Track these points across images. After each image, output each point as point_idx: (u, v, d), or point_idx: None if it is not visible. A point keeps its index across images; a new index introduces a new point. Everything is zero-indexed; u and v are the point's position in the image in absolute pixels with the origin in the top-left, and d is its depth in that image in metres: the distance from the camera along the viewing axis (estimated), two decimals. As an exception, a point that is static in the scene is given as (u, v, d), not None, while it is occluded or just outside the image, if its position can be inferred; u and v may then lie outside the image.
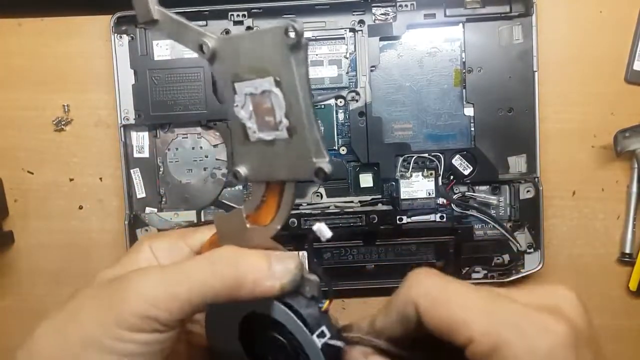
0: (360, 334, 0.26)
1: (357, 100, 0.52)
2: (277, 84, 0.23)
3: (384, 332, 0.25)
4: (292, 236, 0.48)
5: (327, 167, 0.23)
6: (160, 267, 0.27)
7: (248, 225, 0.26)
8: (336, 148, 0.52)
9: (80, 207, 0.55)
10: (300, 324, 0.26)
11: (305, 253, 0.29)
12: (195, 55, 0.51)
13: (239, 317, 0.28)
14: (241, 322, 0.28)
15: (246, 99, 0.24)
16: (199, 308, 0.25)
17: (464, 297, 0.22)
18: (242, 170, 0.26)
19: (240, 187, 0.53)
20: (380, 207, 0.52)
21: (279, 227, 0.26)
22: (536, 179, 0.51)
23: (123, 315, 0.24)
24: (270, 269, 0.25)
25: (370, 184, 0.53)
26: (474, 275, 0.53)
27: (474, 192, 0.53)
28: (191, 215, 0.53)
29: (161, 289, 0.25)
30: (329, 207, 0.52)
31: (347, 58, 0.52)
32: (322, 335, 0.26)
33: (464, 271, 0.53)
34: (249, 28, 0.51)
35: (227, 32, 0.51)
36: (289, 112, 0.23)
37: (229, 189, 0.53)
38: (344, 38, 0.52)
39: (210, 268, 0.25)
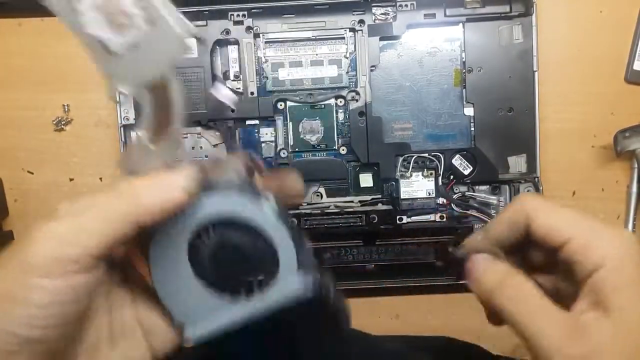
0: (475, 243, 0.29)
1: (357, 100, 0.52)
2: None
3: (494, 239, 0.28)
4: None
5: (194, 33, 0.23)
6: (66, 207, 0.25)
7: (152, 147, 0.25)
8: (336, 148, 0.52)
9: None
10: (239, 198, 0.25)
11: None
12: (195, 55, 0.50)
13: (184, 243, 0.25)
14: (188, 252, 0.26)
15: (90, 11, 0.24)
16: (109, 240, 0.24)
17: (565, 210, 0.26)
18: (119, 87, 0.24)
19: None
20: (380, 207, 0.52)
21: (179, 126, 0.25)
22: (536, 179, 0.51)
23: (29, 260, 0.23)
24: (166, 180, 0.25)
25: (370, 184, 0.53)
26: (474, 275, 0.53)
27: (474, 192, 0.53)
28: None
29: (66, 224, 0.24)
30: (329, 207, 0.52)
31: (347, 58, 0.52)
32: (268, 199, 0.25)
33: (464, 271, 0.53)
34: (249, 28, 0.51)
35: (227, 32, 0.51)
36: (139, 2, 0.23)
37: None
38: (344, 38, 0.52)
39: (113, 194, 0.24)
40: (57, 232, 0.23)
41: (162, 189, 0.25)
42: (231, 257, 0.25)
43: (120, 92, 0.24)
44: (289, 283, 0.25)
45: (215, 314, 0.25)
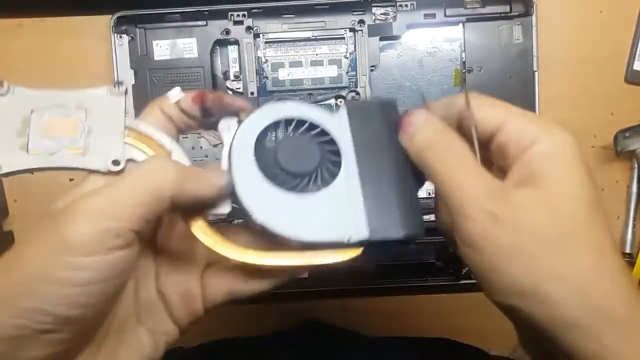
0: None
1: (357, 100, 0.52)
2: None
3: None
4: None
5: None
6: (104, 184, 0.25)
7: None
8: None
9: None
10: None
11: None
12: (195, 55, 0.51)
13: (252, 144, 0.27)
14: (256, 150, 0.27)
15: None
16: (148, 213, 0.23)
17: (496, 100, 0.26)
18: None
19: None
20: (380, 207, 0.52)
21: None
22: (536, 179, 0.51)
23: (69, 239, 0.22)
24: (204, 175, 0.26)
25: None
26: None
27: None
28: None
29: (105, 198, 0.23)
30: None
31: (347, 58, 0.52)
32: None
33: (464, 271, 0.53)
34: (249, 28, 0.51)
35: (227, 32, 0.51)
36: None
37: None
38: (344, 38, 0.52)
39: (148, 168, 0.25)
40: (96, 207, 0.23)
41: (200, 179, 0.25)
42: (298, 149, 0.27)
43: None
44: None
45: (283, 207, 0.26)
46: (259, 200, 0.26)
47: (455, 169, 0.25)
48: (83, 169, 0.26)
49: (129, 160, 0.27)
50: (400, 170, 0.27)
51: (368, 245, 0.26)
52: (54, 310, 0.22)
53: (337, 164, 0.27)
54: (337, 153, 0.27)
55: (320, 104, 0.52)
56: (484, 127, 0.26)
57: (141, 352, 0.27)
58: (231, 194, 0.26)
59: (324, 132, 0.28)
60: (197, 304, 0.29)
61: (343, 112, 0.28)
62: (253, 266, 0.27)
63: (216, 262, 0.29)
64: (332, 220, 0.26)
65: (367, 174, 0.27)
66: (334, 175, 0.27)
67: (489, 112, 0.26)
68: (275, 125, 0.28)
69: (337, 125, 0.28)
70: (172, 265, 0.29)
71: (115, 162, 0.26)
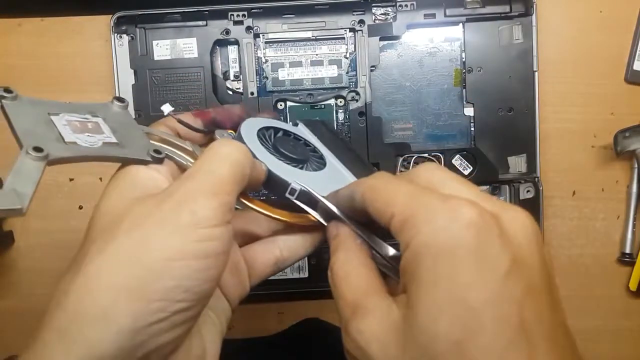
0: (332, 206, 0.29)
1: (357, 100, 0.52)
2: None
3: (340, 202, 0.29)
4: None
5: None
6: (195, 167, 0.27)
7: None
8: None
9: (81, 207, 0.55)
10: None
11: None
12: (195, 55, 0.51)
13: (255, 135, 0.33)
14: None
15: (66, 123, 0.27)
16: (240, 189, 0.26)
17: (397, 186, 0.24)
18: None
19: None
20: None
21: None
22: (536, 179, 0.51)
23: (201, 213, 0.24)
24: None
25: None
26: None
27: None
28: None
29: (212, 177, 0.25)
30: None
31: (347, 58, 0.52)
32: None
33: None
34: (249, 28, 0.51)
35: (227, 32, 0.51)
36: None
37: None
38: (344, 38, 0.52)
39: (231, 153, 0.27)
40: (210, 185, 0.25)
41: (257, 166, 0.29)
42: (291, 145, 0.34)
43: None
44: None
45: (305, 178, 0.32)
46: (288, 175, 0.31)
47: (336, 287, 0.26)
48: (127, 159, 0.27)
49: (166, 156, 0.28)
50: (356, 155, 0.42)
51: None
52: (191, 285, 0.23)
53: (321, 158, 0.36)
54: (316, 151, 0.37)
55: (319, 104, 0.52)
56: (378, 216, 0.24)
57: (217, 331, 0.29)
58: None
59: (298, 137, 0.37)
60: (245, 279, 0.31)
61: (302, 125, 0.39)
62: (293, 223, 0.31)
63: (256, 240, 0.32)
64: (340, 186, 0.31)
65: (343, 159, 0.37)
66: (322, 164, 0.35)
67: (384, 199, 0.24)
68: (262, 131, 0.34)
69: (302, 133, 0.38)
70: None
71: (157, 151, 0.27)
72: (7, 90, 0.25)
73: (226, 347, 0.48)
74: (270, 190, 0.31)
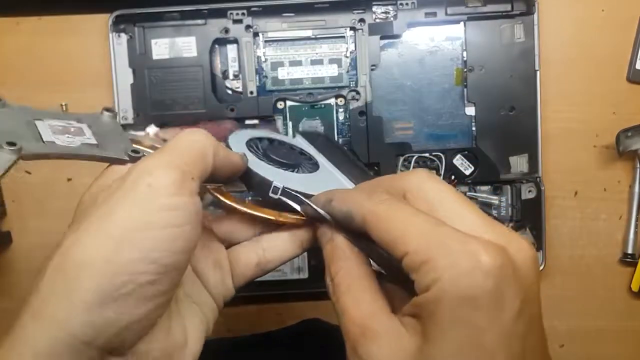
0: (317, 207, 0.29)
1: (357, 100, 0.51)
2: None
3: (333, 215, 0.28)
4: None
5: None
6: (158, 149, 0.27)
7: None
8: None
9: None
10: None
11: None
12: (194, 54, 0.51)
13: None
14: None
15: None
16: (202, 170, 0.26)
17: (407, 219, 0.24)
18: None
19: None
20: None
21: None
22: (538, 179, 0.51)
23: (161, 182, 0.24)
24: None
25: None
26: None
27: (475, 192, 0.52)
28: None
29: (169, 153, 0.25)
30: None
31: (347, 57, 0.52)
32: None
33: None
34: (248, 27, 0.51)
35: (226, 30, 0.51)
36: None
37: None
38: (344, 37, 0.51)
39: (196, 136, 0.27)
40: (167, 159, 0.25)
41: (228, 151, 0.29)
42: (282, 151, 0.36)
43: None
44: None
45: (291, 179, 0.33)
46: (271, 174, 0.31)
47: (338, 301, 0.26)
48: (105, 158, 0.27)
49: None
50: (354, 162, 0.44)
51: None
52: (157, 257, 0.23)
53: (315, 164, 0.37)
54: (310, 157, 0.38)
55: (319, 103, 0.52)
56: (387, 248, 0.24)
57: (200, 322, 0.29)
58: (242, 177, 0.31)
59: (293, 146, 0.38)
60: (228, 278, 0.31)
61: (299, 137, 0.42)
62: (274, 220, 0.31)
63: (239, 242, 0.32)
64: (332, 187, 0.32)
65: (338, 165, 0.38)
66: (314, 168, 0.36)
67: (389, 242, 0.24)
68: (254, 141, 0.35)
69: (299, 143, 0.40)
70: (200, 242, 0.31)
71: (135, 151, 0.28)
72: None
73: (224, 345, 0.48)
74: (255, 191, 0.31)
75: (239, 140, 0.34)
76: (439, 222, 0.23)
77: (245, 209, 0.30)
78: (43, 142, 0.26)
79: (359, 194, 0.27)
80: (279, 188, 0.30)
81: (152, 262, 0.23)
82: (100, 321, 0.23)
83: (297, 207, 0.30)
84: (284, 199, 0.30)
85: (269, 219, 0.30)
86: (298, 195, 0.30)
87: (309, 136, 0.42)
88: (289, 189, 0.30)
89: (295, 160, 0.35)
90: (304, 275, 0.52)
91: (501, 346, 0.21)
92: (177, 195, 0.24)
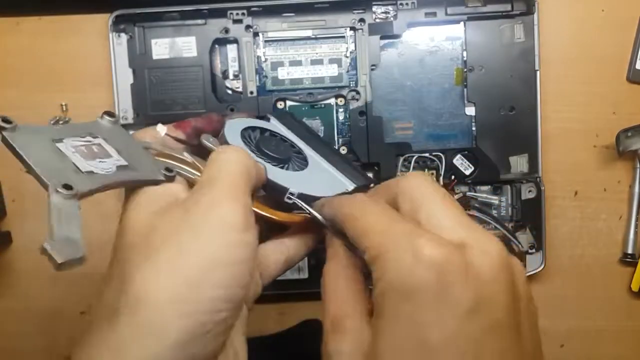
0: (315, 212, 0.30)
1: (357, 100, 0.51)
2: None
3: (326, 219, 0.29)
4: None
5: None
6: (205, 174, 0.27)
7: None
8: (336, 147, 0.52)
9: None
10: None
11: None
12: (194, 54, 0.51)
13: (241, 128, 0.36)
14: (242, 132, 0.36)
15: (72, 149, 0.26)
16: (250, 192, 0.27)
17: (373, 217, 0.25)
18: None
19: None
20: (380, 207, 0.52)
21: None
22: (538, 179, 0.51)
23: (232, 218, 0.24)
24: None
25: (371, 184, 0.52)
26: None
27: (475, 192, 0.52)
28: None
29: (228, 181, 0.26)
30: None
31: (347, 57, 0.52)
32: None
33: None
34: (248, 27, 0.51)
35: (226, 30, 0.51)
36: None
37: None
38: (344, 37, 0.51)
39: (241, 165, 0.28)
40: (229, 190, 0.25)
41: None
42: (273, 145, 0.35)
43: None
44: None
45: (296, 179, 0.34)
46: (285, 180, 0.32)
47: (326, 290, 0.27)
48: (143, 181, 0.27)
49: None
50: (331, 147, 0.45)
51: (355, 190, 0.36)
52: (230, 294, 0.24)
53: (301, 154, 0.38)
54: (293, 146, 0.38)
55: (319, 103, 0.52)
56: (356, 244, 0.25)
57: (242, 333, 0.29)
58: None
59: (276, 134, 0.38)
60: (257, 279, 0.31)
61: (274, 120, 0.42)
62: (297, 223, 0.32)
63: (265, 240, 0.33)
64: (329, 183, 0.36)
65: (320, 153, 0.39)
66: (304, 162, 0.37)
67: (355, 239, 0.25)
68: (245, 131, 0.36)
69: (277, 127, 0.40)
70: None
71: (168, 169, 0.28)
72: (6, 120, 0.25)
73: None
74: (265, 192, 0.32)
75: (233, 132, 0.34)
76: (398, 220, 0.24)
77: (265, 213, 0.30)
78: (82, 172, 0.25)
79: (345, 198, 0.28)
80: (294, 194, 0.31)
81: (227, 299, 0.24)
82: (182, 356, 0.23)
83: (314, 213, 0.31)
84: (300, 202, 0.31)
85: (285, 222, 0.31)
86: (302, 205, 0.31)
87: (282, 118, 0.42)
88: (304, 194, 0.31)
89: (285, 155, 0.35)
90: (304, 275, 0.52)
91: (447, 345, 0.20)
92: (246, 230, 0.25)
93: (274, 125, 0.40)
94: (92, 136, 0.27)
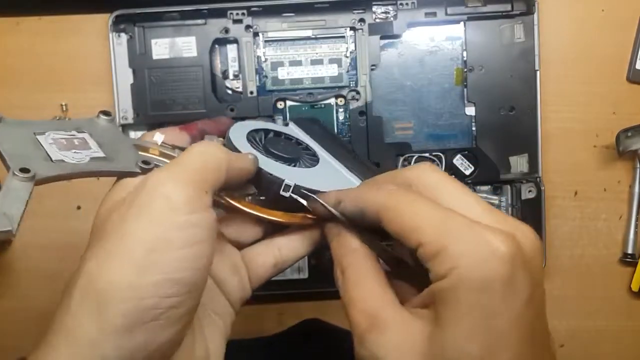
0: (328, 205, 0.28)
1: (357, 100, 0.51)
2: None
3: (345, 214, 0.28)
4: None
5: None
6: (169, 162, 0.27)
7: None
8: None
9: (79, 208, 0.54)
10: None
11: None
12: (194, 54, 0.51)
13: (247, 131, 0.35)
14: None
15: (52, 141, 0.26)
16: (215, 183, 0.26)
17: (420, 210, 0.24)
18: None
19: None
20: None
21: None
22: (538, 179, 0.51)
23: (176, 199, 0.24)
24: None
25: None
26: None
27: (475, 192, 0.52)
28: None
29: (183, 167, 0.25)
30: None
31: (347, 57, 0.52)
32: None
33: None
34: (248, 27, 0.51)
35: (226, 30, 0.51)
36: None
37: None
38: (344, 37, 0.51)
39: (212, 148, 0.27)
40: (182, 174, 0.25)
41: (239, 158, 0.29)
42: (282, 145, 0.35)
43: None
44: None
45: (297, 175, 0.32)
46: (281, 172, 0.31)
47: (347, 292, 0.26)
48: (116, 172, 0.27)
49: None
50: (352, 152, 0.43)
51: None
52: (180, 277, 0.23)
53: (314, 155, 0.37)
54: (308, 149, 0.38)
55: (319, 103, 0.52)
56: (401, 239, 0.24)
57: (220, 332, 0.29)
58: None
59: (290, 137, 0.38)
60: (245, 280, 0.31)
61: (293, 125, 0.41)
62: (289, 223, 0.31)
63: (247, 242, 0.32)
64: (335, 180, 0.35)
65: (337, 155, 0.38)
66: (315, 161, 0.36)
67: (408, 225, 0.24)
68: (252, 134, 0.35)
69: (295, 132, 0.39)
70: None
71: (146, 162, 0.27)
72: None
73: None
74: (261, 189, 0.31)
75: (239, 133, 0.34)
76: (450, 211, 0.24)
77: (258, 213, 0.30)
78: (52, 161, 0.25)
79: (368, 190, 0.27)
80: (290, 186, 0.30)
81: (176, 283, 0.23)
82: (130, 345, 0.23)
83: (330, 208, 0.29)
84: (295, 196, 0.30)
85: (280, 221, 0.31)
86: (309, 193, 0.30)
87: (302, 123, 0.41)
88: (300, 186, 0.30)
89: (295, 154, 0.35)
90: (304, 275, 0.52)
91: (512, 330, 0.22)
92: (194, 212, 0.24)
93: (291, 130, 0.40)
94: (78, 131, 0.28)
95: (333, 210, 0.28)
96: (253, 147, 0.33)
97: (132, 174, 0.27)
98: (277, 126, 0.38)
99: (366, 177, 0.36)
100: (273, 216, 0.30)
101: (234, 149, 0.31)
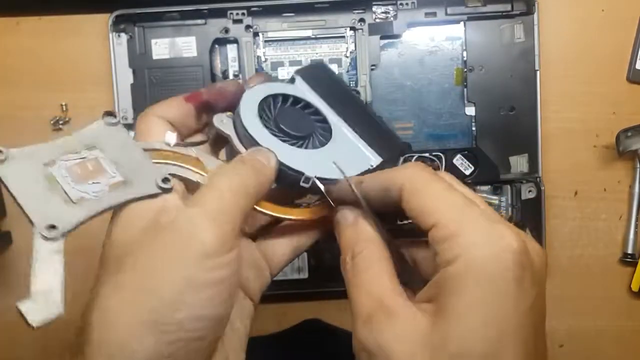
0: (347, 188, 0.28)
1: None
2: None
3: (366, 196, 0.28)
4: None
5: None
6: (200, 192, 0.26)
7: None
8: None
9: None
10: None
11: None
12: (194, 54, 0.51)
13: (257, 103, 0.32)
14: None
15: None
16: (248, 208, 0.26)
17: (441, 193, 0.24)
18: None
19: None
20: (380, 207, 0.52)
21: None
22: (538, 179, 0.51)
23: (210, 244, 0.23)
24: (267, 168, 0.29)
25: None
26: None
27: (475, 192, 0.52)
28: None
29: (216, 204, 0.25)
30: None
31: (347, 57, 0.52)
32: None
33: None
34: (248, 27, 0.51)
35: (226, 30, 0.51)
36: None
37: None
38: (344, 37, 0.51)
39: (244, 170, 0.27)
40: (213, 212, 0.24)
41: (266, 173, 0.28)
42: (293, 118, 0.32)
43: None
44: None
45: (313, 160, 0.31)
46: (300, 163, 0.30)
47: (356, 276, 0.26)
48: (137, 199, 0.26)
49: (172, 176, 0.27)
50: (364, 109, 0.38)
51: (381, 165, 0.33)
52: (204, 314, 0.23)
53: (327, 127, 0.33)
54: (320, 114, 0.34)
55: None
56: (417, 220, 0.25)
57: (239, 337, 0.30)
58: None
59: (298, 100, 0.34)
60: (264, 271, 0.32)
61: (299, 80, 0.35)
62: (301, 220, 0.31)
63: (266, 233, 0.32)
64: (352, 158, 0.32)
65: (349, 120, 0.34)
66: (328, 134, 0.33)
67: (425, 204, 0.24)
68: (262, 106, 0.32)
69: (302, 91, 0.35)
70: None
71: (165, 181, 0.26)
72: None
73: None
74: (279, 181, 0.30)
75: (250, 107, 0.31)
76: (471, 201, 0.24)
77: (278, 214, 0.29)
78: (73, 202, 0.24)
79: (391, 170, 0.27)
80: (310, 178, 0.29)
81: (199, 319, 0.23)
82: None
83: (356, 191, 0.29)
84: (317, 182, 0.29)
85: (302, 219, 0.31)
86: (328, 181, 0.30)
87: (309, 76, 0.36)
88: (321, 178, 0.30)
89: (307, 130, 0.32)
90: (304, 275, 0.52)
91: (516, 331, 0.22)
92: (225, 253, 0.24)
93: (298, 88, 0.35)
94: (88, 149, 0.26)
95: (357, 192, 0.28)
96: (264, 124, 0.31)
97: (153, 196, 0.26)
98: (282, 86, 0.35)
99: (382, 150, 0.34)
100: (293, 215, 0.30)
101: (245, 131, 0.30)
